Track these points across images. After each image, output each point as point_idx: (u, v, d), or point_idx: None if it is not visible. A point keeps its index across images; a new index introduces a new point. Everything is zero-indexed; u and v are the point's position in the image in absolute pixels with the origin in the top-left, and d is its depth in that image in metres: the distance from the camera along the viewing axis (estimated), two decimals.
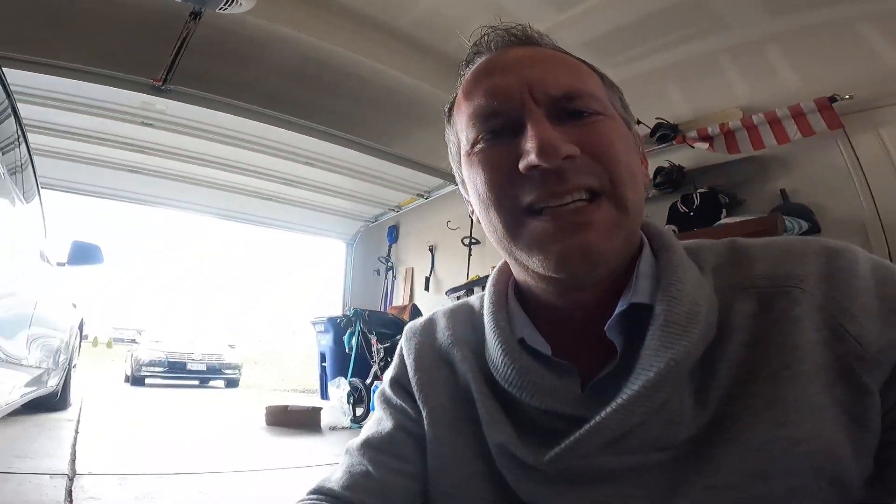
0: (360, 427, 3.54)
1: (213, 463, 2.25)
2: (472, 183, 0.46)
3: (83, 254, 2.56)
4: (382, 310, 5.64)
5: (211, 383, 8.65)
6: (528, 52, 0.47)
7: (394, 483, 0.51)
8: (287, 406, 3.82)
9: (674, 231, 3.09)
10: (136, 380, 7.74)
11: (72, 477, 1.77)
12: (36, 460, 1.93)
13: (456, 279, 4.65)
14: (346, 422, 3.77)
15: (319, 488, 0.52)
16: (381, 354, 3.85)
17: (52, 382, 2.73)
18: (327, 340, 4.75)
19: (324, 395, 4.82)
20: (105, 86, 3.30)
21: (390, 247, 6.12)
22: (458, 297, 4.20)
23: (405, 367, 0.56)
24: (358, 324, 4.13)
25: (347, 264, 6.71)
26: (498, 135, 0.44)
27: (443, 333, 0.55)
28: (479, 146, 0.45)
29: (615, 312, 0.43)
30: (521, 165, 0.41)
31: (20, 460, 1.89)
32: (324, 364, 4.90)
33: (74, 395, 3.67)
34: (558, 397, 0.44)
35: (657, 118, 3.23)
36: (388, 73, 3.31)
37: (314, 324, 5.03)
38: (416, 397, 0.53)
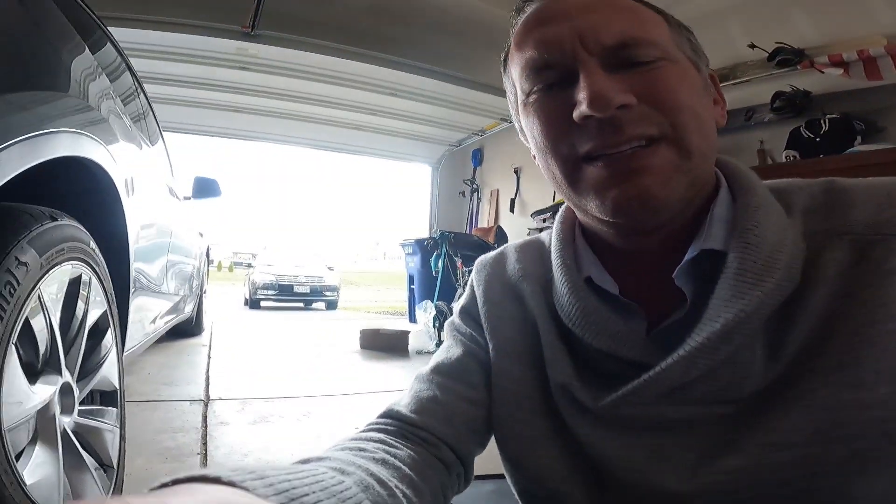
0: None
1: (315, 387, 2.56)
2: (529, 132, 0.46)
3: (204, 188, 2.83)
4: (468, 231, 5.77)
5: (314, 305, 9.48)
6: None
7: (459, 408, 0.51)
8: (379, 330, 4.10)
9: (794, 157, 2.91)
10: (253, 303, 8.74)
11: (206, 403, 2.12)
12: (178, 387, 2.33)
13: (542, 201, 4.61)
14: (432, 346, 3.92)
15: (388, 412, 0.52)
16: (466, 277, 3.80)
17: (188, 309, 3.15)
18: (415, 263, 4.86)
19: (412, 317, 4.99)
20: (201, 35, 3.60)
21: (475, 170, 6.24)
22: (544, 220, 4.19)
23: (475, 297, 0.57)
24: (444, 246, 4.19)
25: (433, 187, 6.93)
26: (552, 84, 0.43)
27: (513, 267, 0.55)
28: (533, 97, 0.44)
29: (684, 259, 0.41)
30: (575, 115, 0.40)
31: (166, 388, 2.30)
32: (412, 286, 5.03)
33: (206, 320, 4.23)
34: (622, 340, 0.43)
35: (777, 42, 2.92)
36: (465, 0, 3.23)
37: (403, 246, 5.16)
38: (484, 328, 0.54)
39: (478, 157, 6.19)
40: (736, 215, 0.41)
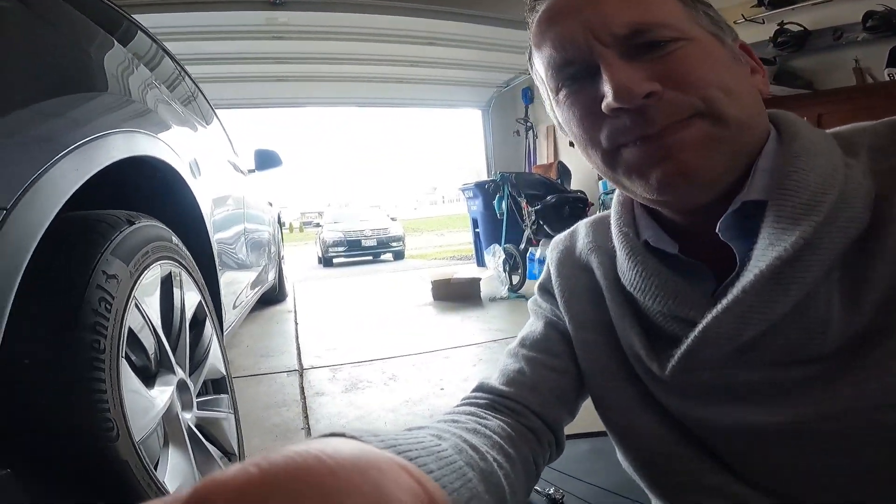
0: (518, 297, 3.80)
1: (395, 346, 2.68)
2: (566, 125, 0.46)
3: (266, 159, 2.97)
4: (527, 170, 5.69)
5: (382, 257, 9.83)
6: None
7: (545, 377, 0.52)
8: (449, 280, 4.13)
9: (891, 76, 2.87)
10: (326, 261, 9.24)
11: (301, 373, 2.30)
12: (274, 358, 2.54)
13: None
14: (504, 291, 3.93)
15: (480, 386, 0.54)
16: (533, 217, 3.75)
17: (271, 277, 3.33)
18: (477, 206, 4.91)
19: (479, 261, 5.12)
20: (229, 11, 3.61)
21: (527, 108, 6.15)
22: None
23: (549, 274, 0.59)
24: (506, 187, 4.12)
25: (486, 130, 7.00)
26: (576, 79, 0.43)
27: (583, 241, 0.56)
28: (562, 93, 0.45)
29: (725, 213, 0.40)
30: (603, 108, 0.40)
31: (265, 360, 2.51)
32: (477, 230, 5.09)
33: (287, 285, 4.50)
34: (683, 301, 0.43)
35: None
36: None
37: (463, 190, 5.22)
38: (559, 303, 0.56)
39: (528, 95, 6.12)
40: (777, 164, 0.40)
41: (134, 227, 0.85)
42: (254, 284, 2.46)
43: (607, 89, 0.39)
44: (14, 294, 0.56)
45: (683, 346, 0.42)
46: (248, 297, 2.28)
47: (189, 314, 1.09)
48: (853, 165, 0.40)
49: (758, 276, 0.37)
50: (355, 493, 0.14)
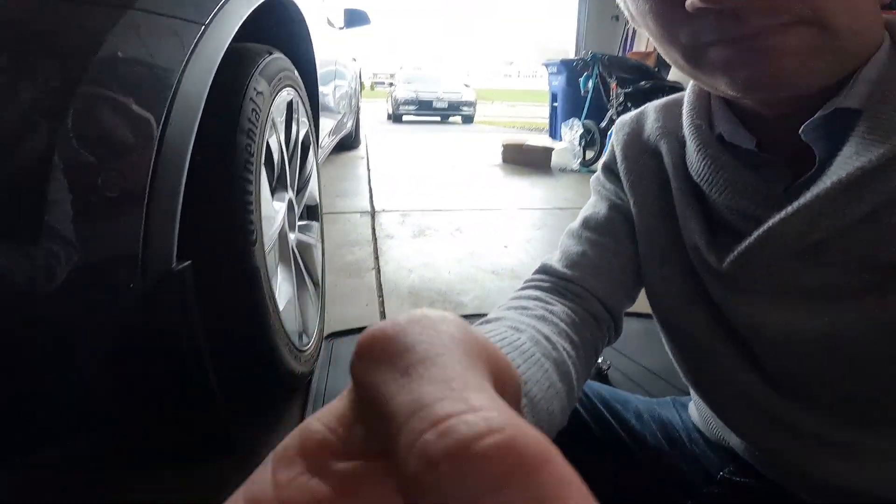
0: (589, 171, 3.74)
1: (463, 200, 2.76)
2: (641, 19, 0.41)
3: (355, 18, 3.05)
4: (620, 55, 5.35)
5: (450, 119, 9.75)
6: None
7: (608, 262, 0.52)
8: (522, 145, 4.16)
9: None
10: (396, 117, 9.29)
11: (373, 215, 2.44)
12: (348, 199, 2.68)
13: None
14: (576, 164, 3.95)
15: (543, 268, 0.54)
16: (621, 99, 3.75)
17: (349, 125, 3.53)
18: (559, 82, 4.97)
19: (553, 134, 5.19)
20: None
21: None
22: None
23: (615, 155, 0.56)
24: (596, 67, 4.07)
25: (580, 10, 6.75)
26: None
27: (651, 125, 0.53)
28: None
29: (815, 115, 0.37)
30: (687, 6, 0.35)
31: (340, 200, 2.66)
32: (555, 104, 5.23)
33: (362, 134, 4.71)
34: (751, 197, 0.41)
35: None
36: None
37: (547, 66, 5.30)
38: (624, 186, 0.54)
39: None
40: (883, 75, 0.36)
41: (271, 56, 0.95)
42: (336, 129, 2.63)
43: None
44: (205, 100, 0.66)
45: (746, 242, 0.40)
46: (330, 140, 2.46)
47: (301, 139, 1.20)
48: None
49: (835, 184, 0.35)
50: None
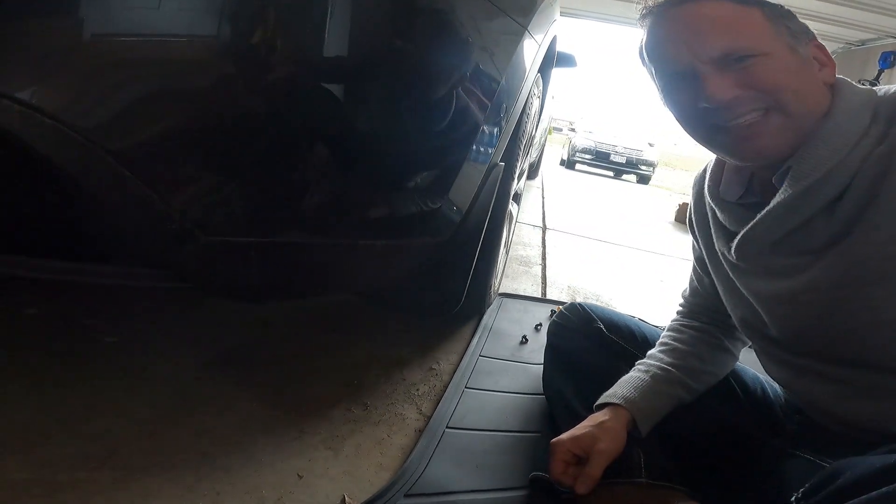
0: None
1: (629, 241, 2.85)
2: (671, 108, 0.64)
3: (563, 59, 3.07)
4: None
5: (624, 176, 9.54)
6: (688, 15, 0.58)
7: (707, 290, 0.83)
8: None
9: None
10: (570, 163, 9.37)
11: (544, 229, 2.69)
12: (526, 214, 2.98)
13: None
14: None
15: (683, 293, 0.91)
16: None
17: (536, 155, 3.81)
18: None
19: None
20: None
21: (881, 71, 4.93)
22: None
23: (690, 207, 0.81)
24: None
25: None
26: (682, 78, 0.59)
27: (701, 179, 0.76)
28: (669, 88, 0.62)
29: (779, 171, 0.59)
30: (700, 106, 0.58)
31: (521, 213, 2.96)
32: None
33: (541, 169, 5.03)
34: (738, 220, 0.65)
35: None
36: None
37: None
38: (695, 227, 0.79)
39: (889, 60, 4.84)
40: (814, 132, 0.56)
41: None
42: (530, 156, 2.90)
43: (703, 96, 0.56)
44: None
45: (735, 241, 0.64)
46: (525, 163, 2.75)
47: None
48: (872, 135, 0.54)
49: (774, 207, 0.59)
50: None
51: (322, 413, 0.81)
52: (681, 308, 0.89)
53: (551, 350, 0.92)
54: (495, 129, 0.86)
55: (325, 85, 0.54)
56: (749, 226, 0.62)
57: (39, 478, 0.60)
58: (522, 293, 1.59)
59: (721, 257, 0.72)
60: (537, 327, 1.30)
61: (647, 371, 0.77)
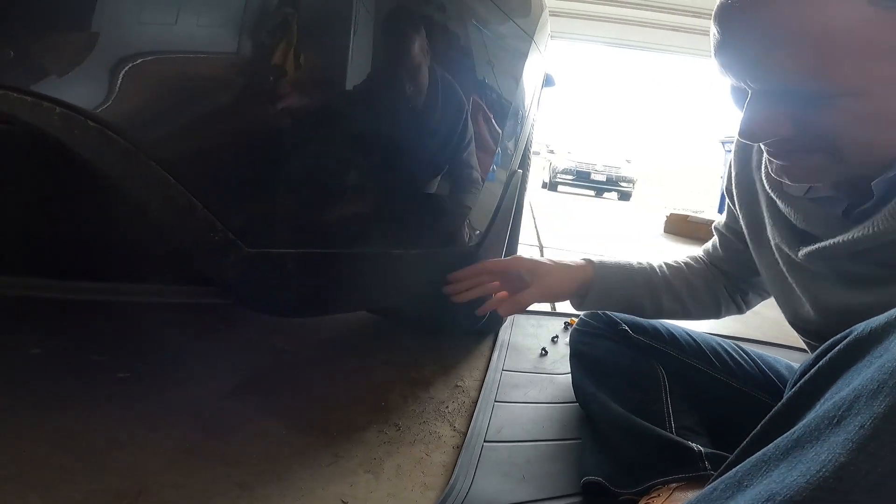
0: None
1: (627, 254, 2.86)
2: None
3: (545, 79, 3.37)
4: None
5: (605, 195, 9.76)
6: (744, 29, 0.44)
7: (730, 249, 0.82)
8: (687, 216, 4.13)
9: None
10: (552, 185, 9.56)
11: (541, 248, 2.70)
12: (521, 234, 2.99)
13: None
14: None
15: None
16: None
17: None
18: None
19: (721, 211, 4.91)
20: None
21: None
22: None
23: (731, 176, 0.74)
24: None
25: None
26: (738, 92, 0.50)
27: (755, 159, 0.69)
28: (730, 89, 0.52)
29: (883, 176, 0.46)
30: (755, 148, 0.58)
31: None
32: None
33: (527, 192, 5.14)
34: (813, 217, 0.56)
35: None
36: None
37: (724, 143, 5.12)
38: (735, 201, 0.73)
39: None
40: None
41: None
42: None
43: (740, 126, 0.48)
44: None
45: (812, 247, 0.55)
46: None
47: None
48: None
49: (882, 218, 0.47)
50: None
51: (355, 437, 0.78)
52: (701, 255, 0.91)
53: (578, 358, 0.90)
54: (514, 138, 0.87)
55: (363, 102, 0.53)
56: (843, 236, 0.51)
57: None
58: (531, 309, 1.58)
59: (775, 250, 0.65)
60: (554, 339, 1.28)
61: (639, 263, 0.87)
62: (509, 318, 1.42)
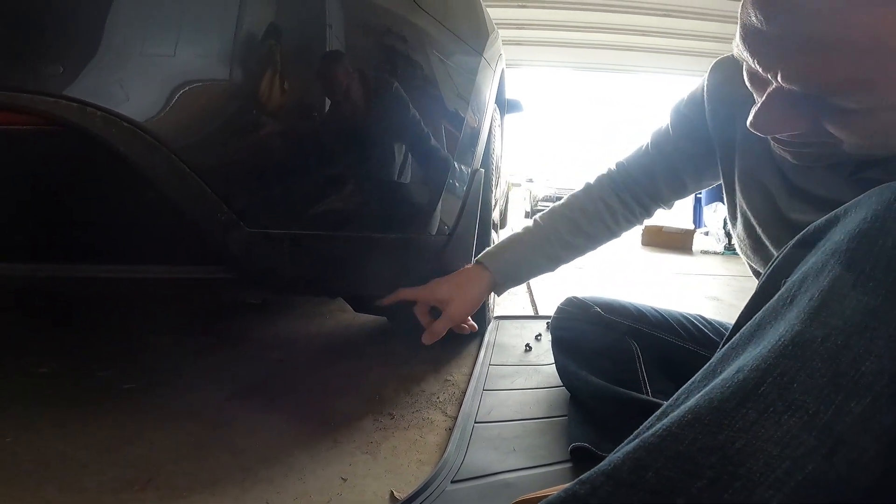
0: (733, 253, 3.68)
1: (608, 265, 2.96)
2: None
3: (511, 105, 3.37)
4: None
5: None
6: (801, 23, 0.38)
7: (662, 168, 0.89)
8: (662, 227, 4.26)
9: None
10: (533, 213, 9.73)
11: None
12: None
13: None
14: (720, 248, 3.96)
15: (616, 164, 0.96)
16: None
17: (502, 204, 4.02)
18: None
19: (696, 222, 5.11)
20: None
21: None
22: None
23: (707, 95, 0.73)
24: None
25: None
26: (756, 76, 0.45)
27: (746, 90, 0.58)
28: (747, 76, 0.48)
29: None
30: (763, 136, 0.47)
31: None
32: (699, 195, 5.15)
33: (508, 220, 5.23)
34: (820, 182, 0.54)
35: None
36: None
37: None
38: (709, 124, 0.73)
39: None
40: None
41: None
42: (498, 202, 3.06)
43: (750, 117, 0.44)
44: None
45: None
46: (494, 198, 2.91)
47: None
48: None
49: None
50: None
51: (352, 425, 0.82)
52: (610, 171, 0.95)
53: (558, 342, 0.96)
54: (474, 138, 0.96)
55: (358, 99, 0.62)
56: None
57: (83, 501, 0.59)
58: (514, 313, 1.65)
59: (756, 186, 0.66)
60: (538, 337, 1.34)
61: (525, 228, 0.94)
62: (493, 322, 1.48)
